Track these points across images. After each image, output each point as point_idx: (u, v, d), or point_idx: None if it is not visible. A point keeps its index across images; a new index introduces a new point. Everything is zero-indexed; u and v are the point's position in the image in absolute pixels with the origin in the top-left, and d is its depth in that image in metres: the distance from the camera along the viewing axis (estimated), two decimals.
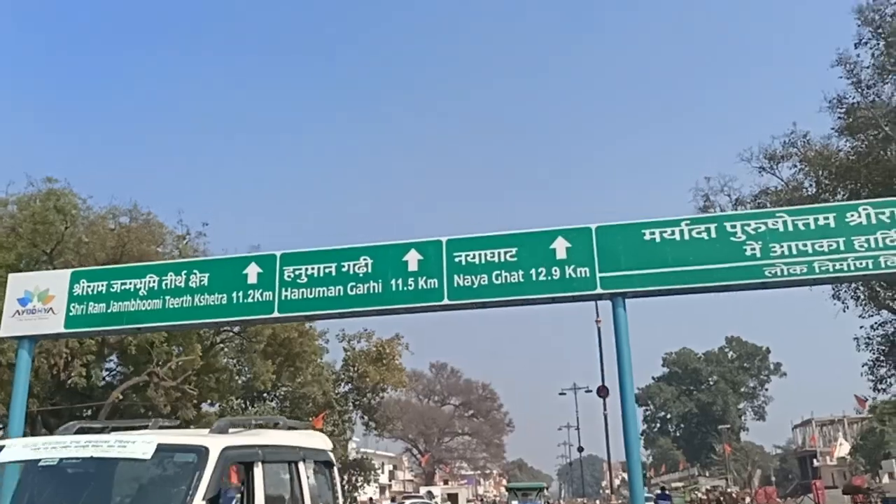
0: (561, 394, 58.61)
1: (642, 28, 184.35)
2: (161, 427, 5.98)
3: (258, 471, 5.17)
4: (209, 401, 26.84)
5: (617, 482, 64.31)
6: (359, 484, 40.36)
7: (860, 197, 20.63)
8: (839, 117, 22.60)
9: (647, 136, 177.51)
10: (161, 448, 4.78)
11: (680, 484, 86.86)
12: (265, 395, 31.63)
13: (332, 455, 6.61)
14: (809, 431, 75.57)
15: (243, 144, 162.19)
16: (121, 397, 21.82)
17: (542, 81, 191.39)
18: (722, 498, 50.06)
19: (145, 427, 5.99)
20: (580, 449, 60.42)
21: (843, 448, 65.63)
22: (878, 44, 21.30)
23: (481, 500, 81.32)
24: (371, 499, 47.01)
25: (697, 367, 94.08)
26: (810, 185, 23.98)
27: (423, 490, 64.09)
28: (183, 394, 23.06)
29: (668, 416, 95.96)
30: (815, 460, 69.10)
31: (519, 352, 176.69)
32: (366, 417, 37.93)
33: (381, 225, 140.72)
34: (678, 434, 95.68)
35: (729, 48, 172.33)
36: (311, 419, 30.26)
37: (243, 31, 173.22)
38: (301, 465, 5.82)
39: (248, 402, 29.69)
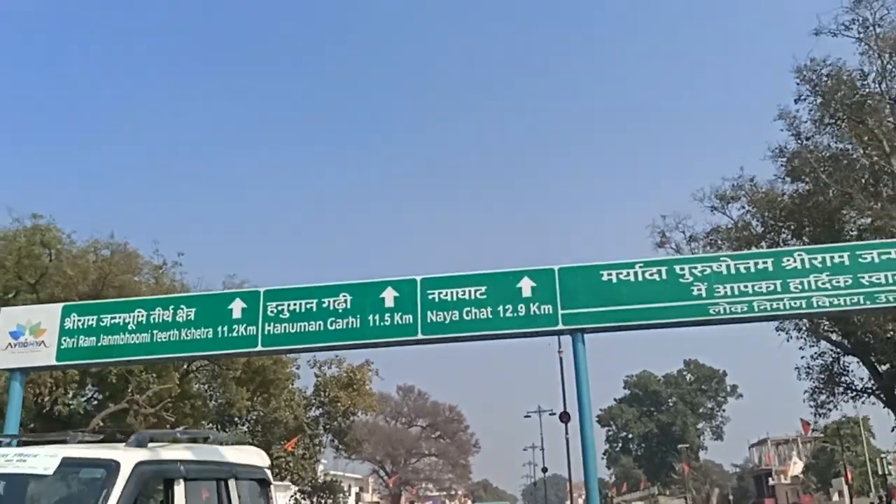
0: (526, 416, 59.41)
1: (604, 71, 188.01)
2: (81, 441, 5.19)
3: (179, 488, 4.75)
4: (184, 426, 27.23)
5: (580, 502, 65.06)
6: None
7: (802, 236, 22.03)
8: (782, 165, 24.17)
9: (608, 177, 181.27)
10: (66, 462, 4.37)
11: (641, 503, 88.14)
12: (237, 419, 32.05)
13: (268, 472, 6.22)
14: (765, 451, 77.34)
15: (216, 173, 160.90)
16: (101, 424, 22.15)
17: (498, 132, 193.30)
18: None
19: (63, 441, 5.21)
20: (544, 469, 60.92)
21: (796, 467, 67.38)
22: (816, 100, 22.95)
23: None
24: None
25: (657, 389, 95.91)
26: (757, 225, 25.35)
27: None
28: (159, 420, 23.48)
29: (630, 436, 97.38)
30: (770, 479, 70.74)
31: (486, 375, 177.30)
32: (335, 441, 38.47)
33: (357, 254, 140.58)
34: (639, 453, 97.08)
35: (681, 96, 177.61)
36: (283, 443, 30.85)
37: (221, 46, 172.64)
38: (232, 483, 5.38)
39: (220, 427, 30.04)
